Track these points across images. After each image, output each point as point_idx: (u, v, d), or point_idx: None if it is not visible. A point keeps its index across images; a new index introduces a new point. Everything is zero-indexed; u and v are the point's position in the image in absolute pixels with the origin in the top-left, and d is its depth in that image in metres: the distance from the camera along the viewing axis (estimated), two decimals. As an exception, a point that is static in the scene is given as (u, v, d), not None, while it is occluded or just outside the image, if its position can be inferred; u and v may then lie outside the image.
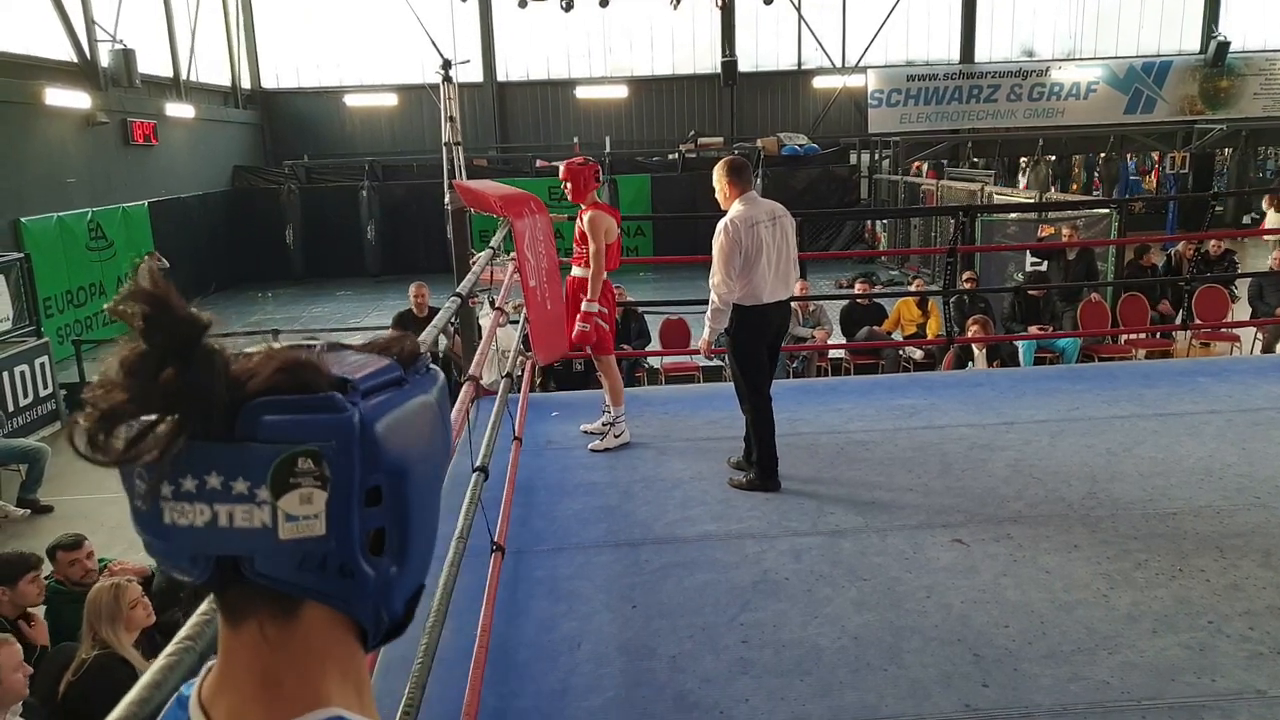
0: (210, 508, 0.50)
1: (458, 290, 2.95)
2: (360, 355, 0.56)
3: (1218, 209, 16.64)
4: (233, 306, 14.42)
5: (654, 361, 8.07)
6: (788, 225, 3.77)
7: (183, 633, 0.79)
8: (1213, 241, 9.19)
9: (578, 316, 4.27)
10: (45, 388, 8.48)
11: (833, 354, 8.08)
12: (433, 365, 0.60)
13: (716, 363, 8.38)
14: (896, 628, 2.75)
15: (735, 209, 3.70)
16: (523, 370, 5.25)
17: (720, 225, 3.69)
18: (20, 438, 7.38)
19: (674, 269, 15.30)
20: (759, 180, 16.65)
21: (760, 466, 3.81)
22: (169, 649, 0.76)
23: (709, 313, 3.77)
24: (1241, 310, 8.47)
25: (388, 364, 0.56)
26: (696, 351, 8.64)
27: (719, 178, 3.77)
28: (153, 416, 0.49)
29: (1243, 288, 8.66)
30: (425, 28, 14.15)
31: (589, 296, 4.24)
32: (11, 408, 7.82)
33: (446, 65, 8.28)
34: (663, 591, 3.04)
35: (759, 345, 3.79)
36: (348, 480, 0.51)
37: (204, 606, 0.82)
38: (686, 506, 3.69)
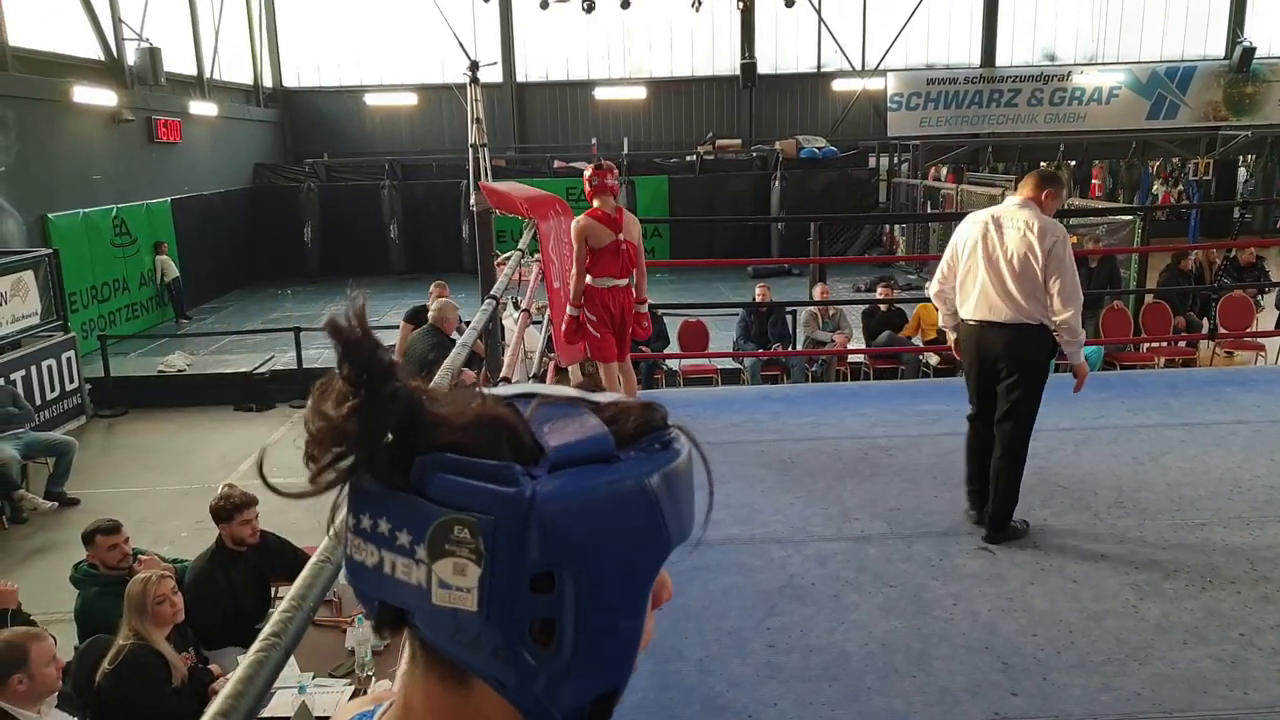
0: (379, 552, 0.48)
1: (492, 293, 2.98)
2: (583, 418, 0.50)
3: (1246, 216, 16.47)
4: (252, 303, 14.56)
5: (673, 364, 8.09)
6: (1033, 239, 3.10)
7: (268, 629, 0.81)
8: (1246, 250, 9.10)
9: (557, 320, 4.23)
10: (71, 382, 8.59)
11: (852, 358, 8.08)
12: (676, 444, 0.53)
13: (736, 365, 8.38)
14: (924, 634, 2.75)
15: None
16: (545, 372, 5.28)
17: None
18: (48, 431, 7.48)
19: (692, 271, 15.31)
20: (775, 183, 16.64)
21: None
22: (256, 645, 0.78)
23: None
24: (1266, 319, 8.39)
25: (597, 435, 0.49)
26: (715, 355, 8.63)
27: None
28: (338, 450, 0.47)
29: (1268, 296, 8.58)
30: (453, 29, 14.21)
31: (570, 300, 4.20)
32: (39, 401, 7.92)
33: (474, 67, 8.29)
34: (689, 594, 3.04)
35: (967, 364, 3.38)
36: (507, 561, 0.46)
37: (286, 603, 0.84)
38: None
